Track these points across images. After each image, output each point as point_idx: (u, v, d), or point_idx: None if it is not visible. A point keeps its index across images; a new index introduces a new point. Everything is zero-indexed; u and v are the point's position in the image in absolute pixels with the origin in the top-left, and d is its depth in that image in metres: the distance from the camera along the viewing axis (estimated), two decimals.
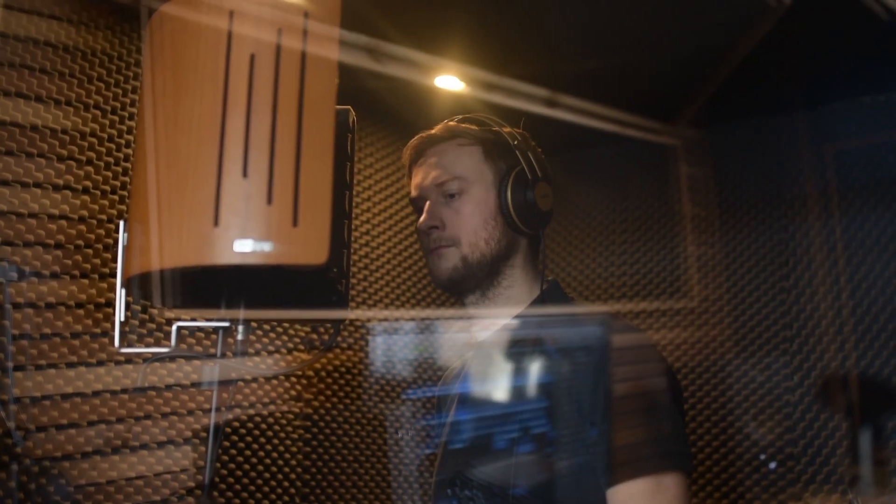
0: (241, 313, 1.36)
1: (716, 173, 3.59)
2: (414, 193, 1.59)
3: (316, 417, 2.75)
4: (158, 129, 1.22)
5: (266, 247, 1.13)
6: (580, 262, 3.80)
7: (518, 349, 1.47)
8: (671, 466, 1.31)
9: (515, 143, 1.55)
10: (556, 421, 1.36)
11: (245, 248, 1.12)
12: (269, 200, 1.14)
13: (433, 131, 1.60)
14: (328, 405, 2.77)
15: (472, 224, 1.53)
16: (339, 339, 2.68)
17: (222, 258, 1.13)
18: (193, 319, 1.40)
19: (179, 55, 1.23)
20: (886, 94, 3.23)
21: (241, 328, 1.35)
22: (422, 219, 1.56)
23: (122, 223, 1.32)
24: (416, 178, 1.59)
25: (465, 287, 1.56)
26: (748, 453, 3.24)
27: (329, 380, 2.82)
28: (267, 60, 1.18)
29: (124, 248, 1.32)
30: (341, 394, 2.85)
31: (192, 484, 2.17)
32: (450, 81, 3.02)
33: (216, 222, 1.14)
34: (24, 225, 1.99)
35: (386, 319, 2.98)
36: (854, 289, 3.15)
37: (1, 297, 1.78)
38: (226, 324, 1.35)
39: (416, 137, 1.61)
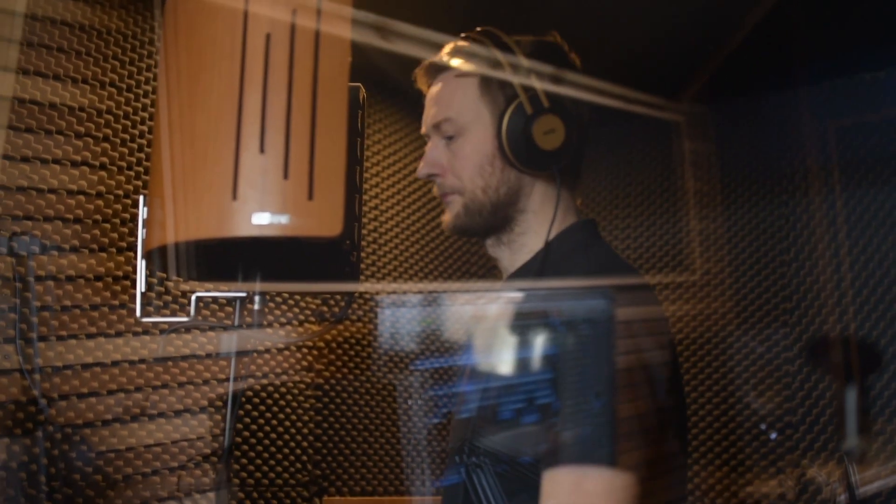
0: (257, 285, 1.40)
1: (718, 148, 3.62)
2: (422, 130, 1.47)
3: (327, 387, 2.81)
4: (177, 107, 1.27)
5: (283, 219, 1.18)
6: None
7: (521, 320, 1.33)
8: (605, 461, 1.15)
9: (514, 65, 1.35)
10: (560, 391, 1.22)
11: (262, 220, 1.17)
12: (286, 175, 1.18)
13: (439, 58, 1.45)
14: (339, 375, 2.83)
15: (470, 169, 1.39)
16: (350, 311, 2.72)
17: (241, 230, 1.18)
18: (210, 291, 1.45)
19: (197, 35, 1.27)
20: (887, 71, 3.25)
21: (257, 299, 1.40)
22: (419, 166, 1.44)
23: (141, 198, 1.37)
24: (424, 113, 1.46)
25: (473, 234, 1.45)
26: (749, 422, 3.29)
27: (339, 351, 2.88)
28: (282, 40, 1.22)
29: (144, 221, 1.37)
30: (351, 364, 2.91)
31: (208, 451, 2.24)
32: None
33: (234, 196, 1.18)
34: (43, 200, 2.05)
35: (395, 292, 3.03)
36: (853, 261, 3.19)
37: (23, 270, 1.84)
38: (242, 294, 1.39)
39: (421, 65, 1.47)
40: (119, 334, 2.12)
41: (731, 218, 3.51)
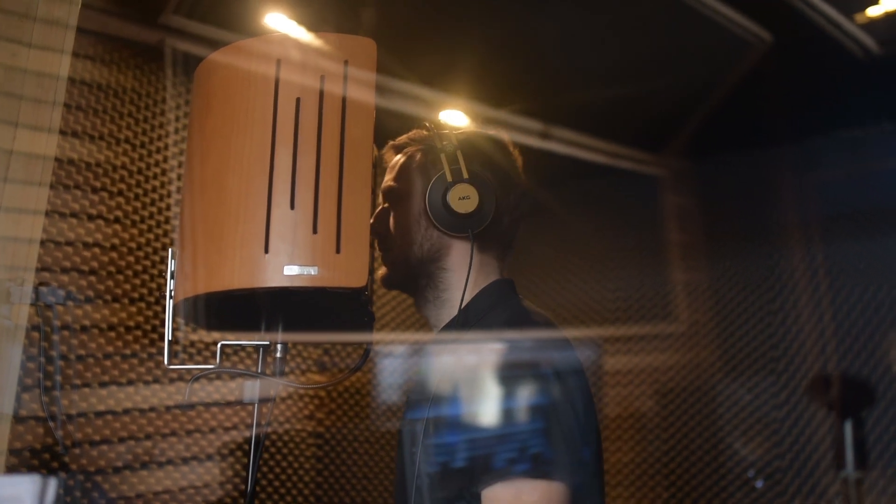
0: (280, 335, 1.46)
1: (701, 202, 3.71)
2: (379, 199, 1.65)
3: (328, 436, 2.85)
4: (209, 168, 1.34)
5: (312, 271, 1.25)
6: (576, 287, 3.91)
7: (509, 371, 1.44)
8: (545, 475, 1.32)
9: (444, 146, 1.54)
10: (552, 441, 1.37)
11: (293, 272, 1.24)
12: (315, 230, 1.26)
13: (398, 140, 1.65)
14: (339, 424, 2.87)
15: (403, 227, 1.57)
16: (349, 361, 2.77)
17: (273, 281, 1.24)
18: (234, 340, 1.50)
19: (230, 99, 1.35)
20: (864, 128, 3.36)
21: (279, 347, 1.46)
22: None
23: (170, 251, 1.43)
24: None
25: (404, 288, 1.63)
26: (737, 469, 3.34)
27: (340, 400, 2.92)
28: (311, 103, 1.30)
29: (173, 273, 1.42)
30: (351, 413, 2.96)
31: (213, 498, 2.27)
32: (454, 116, 3.14)
33: (267, 249, 1.25)
34: (60, 252, 2.10)
35: (395, 342, 3.09)
36: (836, 311, 3.27)
37: (47, 319, 1.89)
38: (266, 343, 1.45)
39: (387, 145, 1.67)
40: (130, 383, 2.16)
41: (716, 270, 3.59)
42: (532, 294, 4.11)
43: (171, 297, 1.41)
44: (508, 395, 1.37)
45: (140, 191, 2.41)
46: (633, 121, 3.39)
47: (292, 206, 1.27)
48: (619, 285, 3.81)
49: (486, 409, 1.39)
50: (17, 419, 1.84)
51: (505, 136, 1.68)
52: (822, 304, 3.31)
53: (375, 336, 2.94)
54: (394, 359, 3.02)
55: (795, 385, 3.30)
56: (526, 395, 1.38)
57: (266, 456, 2.67)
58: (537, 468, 1.32)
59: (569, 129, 3.36)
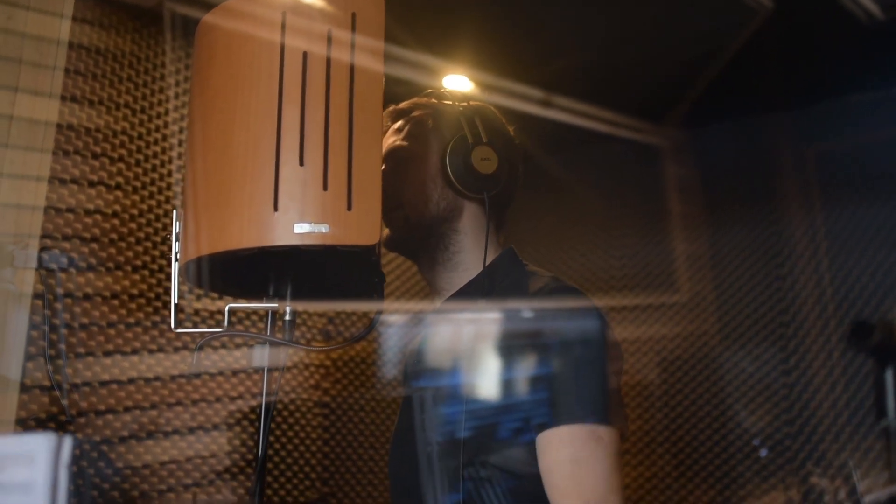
0: (289, 298, 1.43)
1: (701, 172, 3.69)
2: None
3: (334, 405, 2.83)
4: (214, 126, 1.30)
5: (323, 229, 1.22)
6: (581, 256, 3.90)
7: (515, 340, 1.48)
8: (604, 420, 1.35)
9: (462, 110, 1.58)
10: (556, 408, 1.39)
11: (304, 229, 1.21)
12: (325, 186, 1.22)
13: (401, 105, 1.67)
14: (345, 394, 2.86)
15: (417, 185, 1.58)
16: (353, 330, 2.76)
17: (283, 239, 1.21)
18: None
19: (234, 56, 1.31)
20: (865, 95, 3.34)
21: (288, 310, 1.43)
22: None
23: (174, 212, 1.40)
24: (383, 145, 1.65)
25: (410, 251, 1.63)
26: (743, 437, 3.34)
27: (346, 369, 2.91)
28: (318, 57, 1.27)
29: (177, 235, 1.39)
30: (357, 382, 2.94)
31: (220, 468, 2.25)
32: (458, 81, 3.11)
33: (276, 207, 1.22)
34: (61, 219, 2.07)
35: (403, 311, 3.07)
36: (833, 277, 3.26)
37: (53, 284, 1.87)
38: (275, 305, 1.42)
39: (386, 109, 1.67)
40: (135, 352, 2.14)
41: (717, 239, 3.58)
42: (535, 262, 4.09)
43: (176, 259, 1.38)
44: (562, 368, 1.38)
45: (141, 156, 2.38)
46: (633, 89, 3.37)
47: (301, 163, 1.23)
48: (623, 253, 3.79)
49: (548, 386, 1.38)
50: (23, 388, 1.82)
51: (494, 108, 1.71)
52: (821, 270, 3.30)
53: (386, 303, 2.92)
54: (400, 328, 3.00)
55: (804, 350, 3.29)
56: (579, 367, 1.38)
57: (272, 425, 2.66)
58: (593, 415, 1.34)
59: (569, 97, 3.34)
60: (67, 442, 0.81)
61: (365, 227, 1.23)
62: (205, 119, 1.33)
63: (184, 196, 1.39)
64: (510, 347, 1.45)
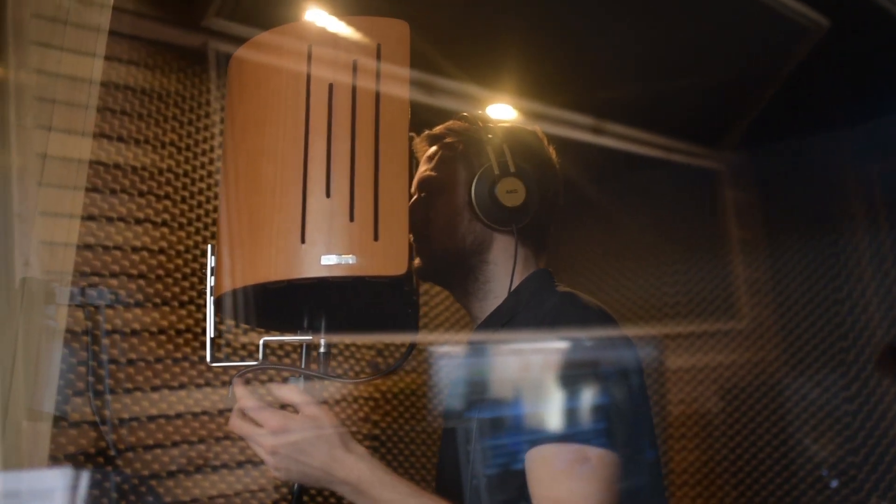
0: (323, 333, 1.42)
1: (761, 194, 3.62)
2: (412, 189, 1.64)
3: (384, 438, 2.82)
4: (244, 158, 1.32)
5: (350, 260, 1.21)
6: (633, 284, 3.84)
7: (572, 370, 1.44)
8: (601, 444, 1.31)
9: (491, 137, 1.55)
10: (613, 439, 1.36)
11: (331, 261, 1.21)
12: (352, 218, 1.22)
13: (435, 130, 1.64)
14: (395, 426, 2.84)
15: (444, 219, 1.56)
16: (406, 361, 2.74)
17: (310, 272, 1.21)
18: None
19: (262, 89, 1.32)
20: None
21: (322, 342, 1.42)
22: None
23: (209, 247, 1.41)
24: (417, 173, 1.65)
25: (441, 281, 1.62)
26: (808, 467, 3.24)
27: (395, 402, 2.90)
28: (344, 89, 1.27)
29: (213, 269, 1.40)
30: (407, 415, 2.93)
31: (269, 502, 2.25)
32: (502, 110, 3.11)
33: (303, 240, 1.23)
34: (109, 256, 2.12)
35: (449, 342, 3.05)
36: None
37: (95, 323, 1.90)
38: (309, 338, 1.42)
39: (421, 135, 1.66)
40: (182, 386, 2.16)
41: (777, 264, 3.50)
42: (587, 292, 4.05)
43: (211, 293, 1.39)
44: (570, 395, 1.35)
45: (186, 193, 2.42)
46: (687, 113, 3.33)
47: (328, 194, 1.24)
48: (677, 280, 3.73)
49: (549, 408, 1.36)
50: (71, 424, 1.86)
51: (539, 129, 1.68)
52: (891, 291, 3.20)
53: (437, 333, 2.91)
54: (450, 359, 2.99)
55: (866, 377, 3.19)
56: (588, 394, 1.37)
57: None
58: (592, 437, 1.32)
59: (621, 123, 3.31)
60: (84, 477, 0.81)
61: (392, 257, 1.22)
62: (235, 153, 1.35)
63: (217, 230, 1.40)
64: (537, 381, 1.42)
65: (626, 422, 1.38)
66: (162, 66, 2.37)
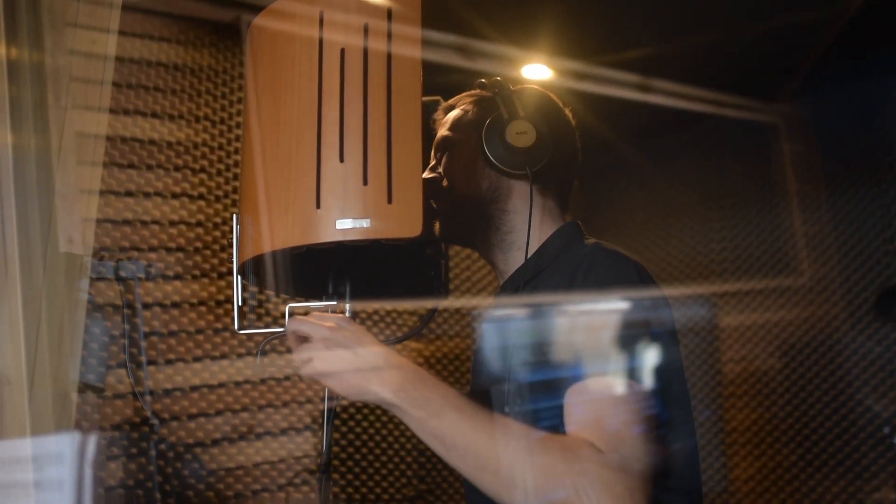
0: (348, 299, 1.43)
1: (819, 146, 3.52)
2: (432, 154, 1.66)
3: None
4: (262, 126, 1.33)
5: (364, 223, 1.22)
6: (679, 242, 3.79)
7: (626, 330, 1.38)
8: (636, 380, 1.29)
9: (498, 92, 1.55)
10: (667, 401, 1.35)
11: (346, 225, 1.21)
12: (365, 181, 1.23)
13: (450, 101, 1.65)
14: None
15: (458, 170, 1.56)
16: (447, 327, 2.76)
17: (326, 236, 1.22)
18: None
19: (277, 57, 1.33)
20: None
21: (347, 307, 1.43)
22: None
23: (234, 216, 1.43)
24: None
25: (464, 238, 1.60)
26: (870, 427, 3.18)
27: (439, 366, 2.91)
28: (356, 54, 1.27)
29: (237, 238, 1.42)
30: (451, 379, 2.94)
31: (314, 468, 2.29)
32: (537, 70, 3.07)
33: (318, 205, 1.23)
34: (147, 231, 2.16)
35: (479, 307, 3.05)
36: None
37: (131, 296, 1.94)
38: (334, 302, 1.43)
39: (441, 105, 1.67)
40: (224, 356, 2.20)
41: (838, 216, 3.40)
42: (634, 253, 4.00)
43: (236, 261, 1.41)
44: (622, 351, 1.32)
45: (222, 166, 2.46)
46: (738, 66, 3.24)
47: (342, 159, 1.24)
48: (724, 237, 3.66)
49: (594, 359, 1.31)
50: (115, 395, 1.91)
51: (553, 94, 1.67)
52: None
53: (456, 299, 2.91)
54: (502, 321, 2.99)
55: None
56: (638, 349, 1.33)
57: (366, 424, 2.68)
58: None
59: (669, 79, 3.24)
60: (91, 439, 0.83)
61: (406, 219, 1.22)
62: (254, 121, 1.36)
63: (240, 199, 1.42)
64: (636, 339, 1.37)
65: (680, 379, 1.38)
66: (194, 42, 2.39)
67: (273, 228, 1.28)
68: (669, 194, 3.86)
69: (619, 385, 1.27)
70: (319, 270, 1.40)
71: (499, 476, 1.20)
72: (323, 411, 1.36)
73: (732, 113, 3.46)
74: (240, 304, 1.45)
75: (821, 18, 2.93)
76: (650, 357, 1.33)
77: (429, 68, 1.29)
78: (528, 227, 1.52)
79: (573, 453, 1.18)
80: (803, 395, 3.35)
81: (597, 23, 2.96)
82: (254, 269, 1.40)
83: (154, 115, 2.24)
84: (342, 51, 1.27)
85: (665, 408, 1.32)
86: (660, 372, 1.33)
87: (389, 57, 1.27)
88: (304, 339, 1.30)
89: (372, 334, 1.27)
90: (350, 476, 2.58)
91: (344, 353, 1.26)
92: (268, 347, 2.35)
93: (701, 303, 3.65)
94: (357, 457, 2.63)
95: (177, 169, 2.29)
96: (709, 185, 3.76)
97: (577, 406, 1.28)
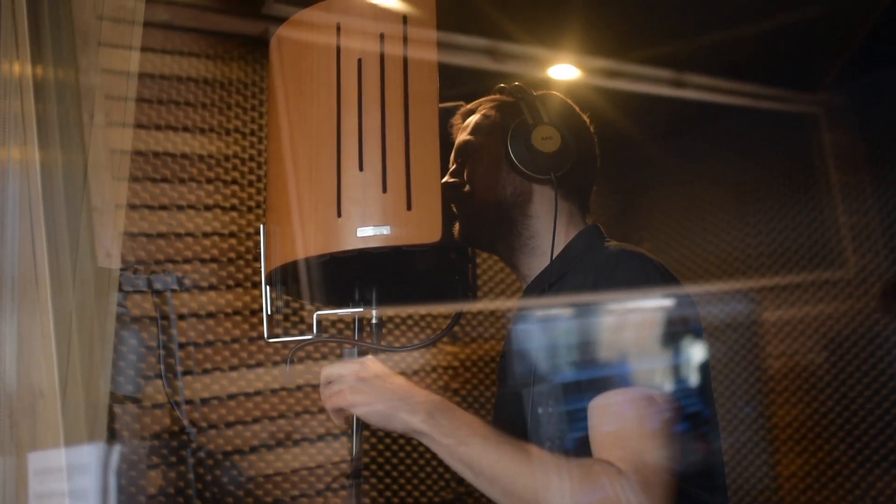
0: (374, 305, 1.45)
1: (862, 135, 3.46)
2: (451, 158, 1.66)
3: (465, 406, 2.85)
4: (284, 137, 1.35)
5: (385, 230, 1.23)
6: (717, 238, 3.75)
7: (667, 328, 1.42)
8: (659, 388, 1.30)
9: (521, 97, 1.56)
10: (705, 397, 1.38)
11: (367, 233, 1.23)
12: (385, 189, 1.24)
13: (469, 105, 1.65)
14: (475, 393, 2.87)
15: (481, 174, 1.56)
16: (482, 329, 2.77)
17: (347, 244, 1.24)
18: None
19: (297, 68, 1.35)
20: None
21: (374, 313, 1.45)
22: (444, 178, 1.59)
23: (262, 227, 1.45)
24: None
25: (485, 241, 1.60)
26: None
27: (474, 369, 2.92)
28: (373, 63, 1.29)
29: (265, 248, 1.44)
30: (487, 381, 2.95)
31: (350, 472, 2.31)
32: (565, 70, 3.06)
33: (339, 213, 1.25)
34: (181, 243, 2.20)
35: (511, 309, 3.05)
36: None
37: (166, 307, 1.98)
38: (360, 309, 1.44)
39: (459, 110, 1.67)
40: (259, 364, 2.23)
41: (886, 207, 3.34)
42: (671, 250, 3.98)
43: (264, 271, 1.43)
44: (647, 350, 1.35)
45: (253, 177, 2.49)
46: (774, 57, 3.20)
47: (361, 168, 1.26)
48: (760, 230, 3.61)
49: (623, 362, 1.34)
50: (153, 405, 1.95)
51: (575, 106, 1.68)
52: None
53: (487, 303, 2.91)
54: (528, 324, 2.99)
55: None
56: (665, 349, 1.36)
57: None
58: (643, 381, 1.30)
59: (703, 73, 3.21)
60: (115, 451, 0.85)
61: (426, 225, 1.24)
62: (277, 132, 1.38)
63: (266, 210, 1.44)
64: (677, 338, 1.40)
65: (706, 379, 1.38)
66: (223, 56, 2.43)
67: (297, 238, 1.30)
68: (706, 191, 3.82)
69: (640, 396, 1.28)
70: (345, 278, 1.42)
71: (525, 502, 1.22)
72: (352, 418, 1.37)
73: (770, 105, 3.42)
74: (269, 312, 1.47)
75: (857, 5, 2.89)
76: (676, 358, 1.33)
77: (458, 73, 1.30)
78: (552, 231, 1.52)
79: (594, 483, 1.20)
80: (846, 390, 3.30)
81: (625, 19, 2.94)
82: (282, 279, 1.42)
83: (185, 129, 2.28)
84: (359, 60, 1.29)
85: (692, 408, 1.33)
86: (686, 372, 1.34)
87: (406, 63, 1.29)
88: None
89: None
90: (388, 480, 2.59)
91: (373, 383, 1.29)
92: (301, 355, 2.39)
93: (743, 298, 3.61)
94: (395, 461, 2.64)
95: (209, 181, 2.33)
96: (746, 179, 3.71)
97: (599, 421, 1.29)
